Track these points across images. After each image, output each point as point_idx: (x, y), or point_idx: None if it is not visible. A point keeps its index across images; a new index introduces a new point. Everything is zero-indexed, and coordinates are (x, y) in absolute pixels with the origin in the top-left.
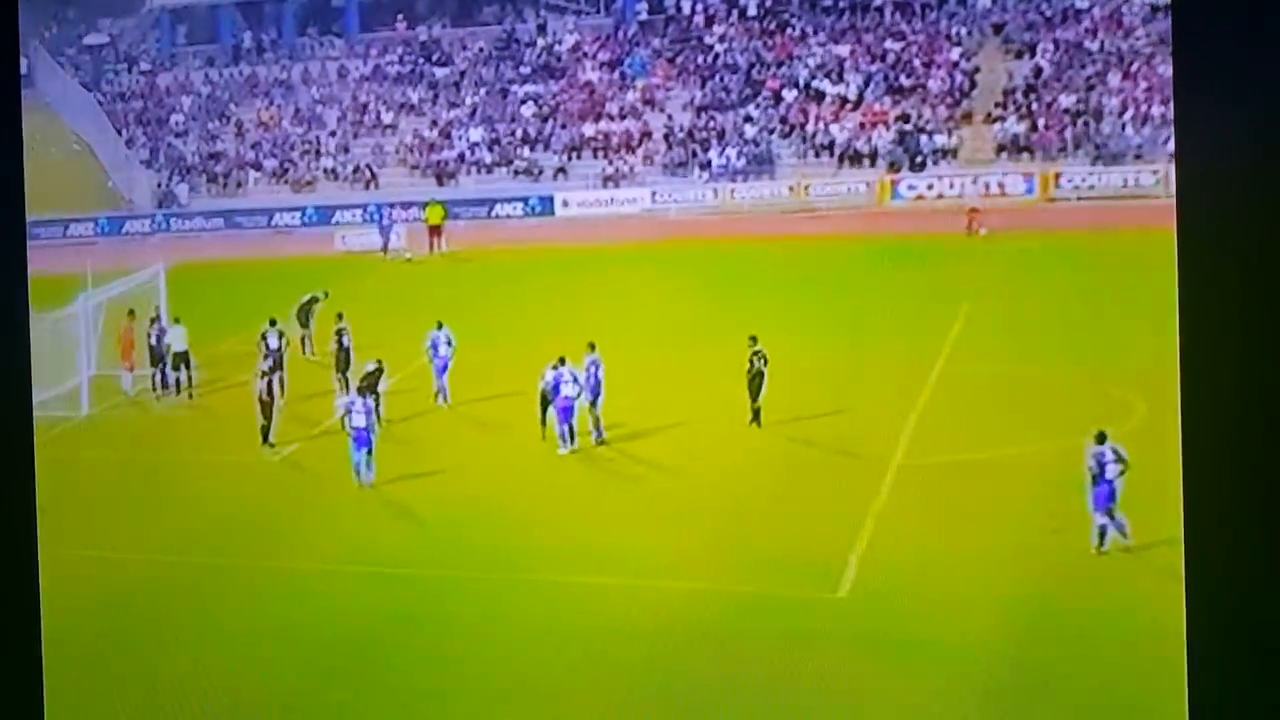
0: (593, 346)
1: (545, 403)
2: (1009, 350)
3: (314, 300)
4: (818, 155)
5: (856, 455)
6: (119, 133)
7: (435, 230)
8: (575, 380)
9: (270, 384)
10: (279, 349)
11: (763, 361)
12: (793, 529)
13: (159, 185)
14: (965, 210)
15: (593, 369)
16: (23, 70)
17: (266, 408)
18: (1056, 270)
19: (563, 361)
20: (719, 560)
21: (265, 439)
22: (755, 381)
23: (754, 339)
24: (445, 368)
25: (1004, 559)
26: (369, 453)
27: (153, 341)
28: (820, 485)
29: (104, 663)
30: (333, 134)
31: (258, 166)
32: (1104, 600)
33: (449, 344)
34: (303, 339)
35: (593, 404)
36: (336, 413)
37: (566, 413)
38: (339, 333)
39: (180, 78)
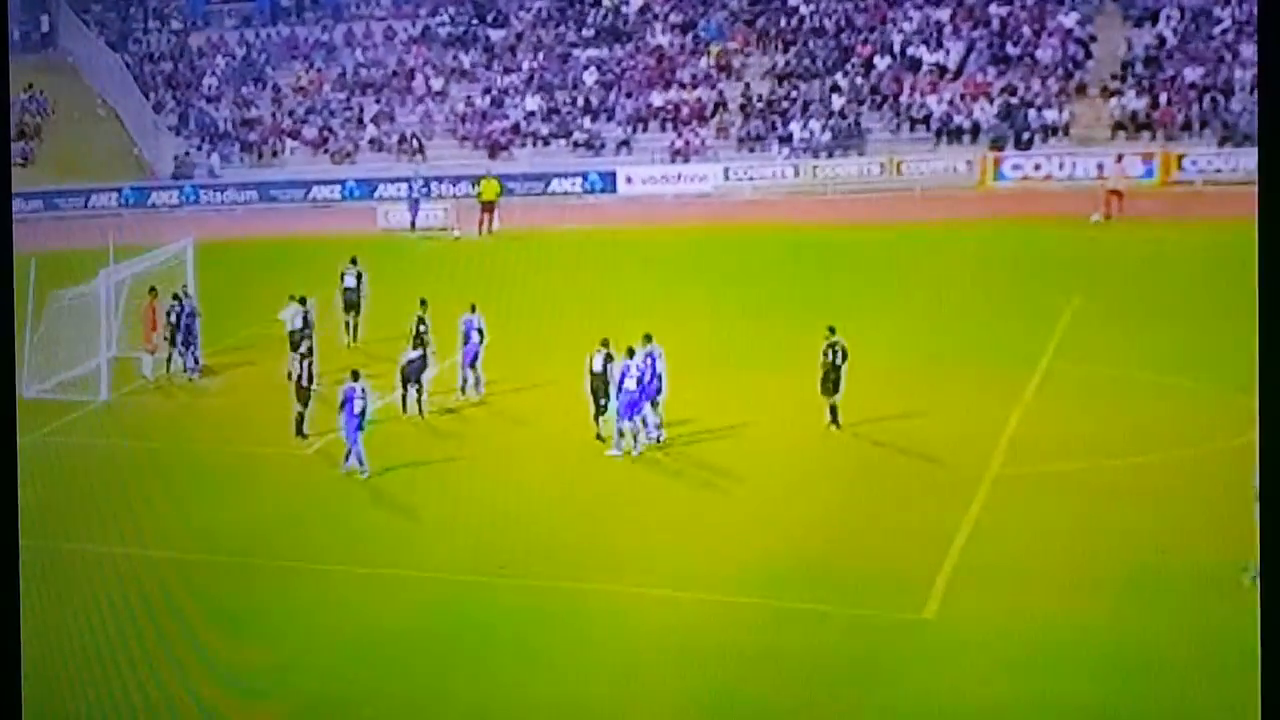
0: (649, 338)
1: (598, 396)
2: (1122, 350)
3: (345, 275)
4: (912, 129)
5: (947, 463)
6: (146, 96)
7: (488, 208)
8: (646, 372)
9: (306, 367)
10: (305, 329)
11: (839, 355)
12: (875, 543)
13: (186, 154)
14: (1104, 191)
15: (651, 362)
16: (44, 28)
17: (304, 394)
18: (1177, 262)
19: (631, 353)
20: (791, 575)
21: (299, 429)
22: (830, 377)
23: (832, 329)
24: (475, 356)
25: (1109, 582)
26: (354, 442)
27: (172, 320)
28: (906, 495)
29: (102, 667)
30: (377, 101)
31: (295, 135)
32: (1222, 633)
33: (479, 332)
34: (346, 324)
35: (653, 402)
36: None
37: (632, 409)
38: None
39: (213, 38)
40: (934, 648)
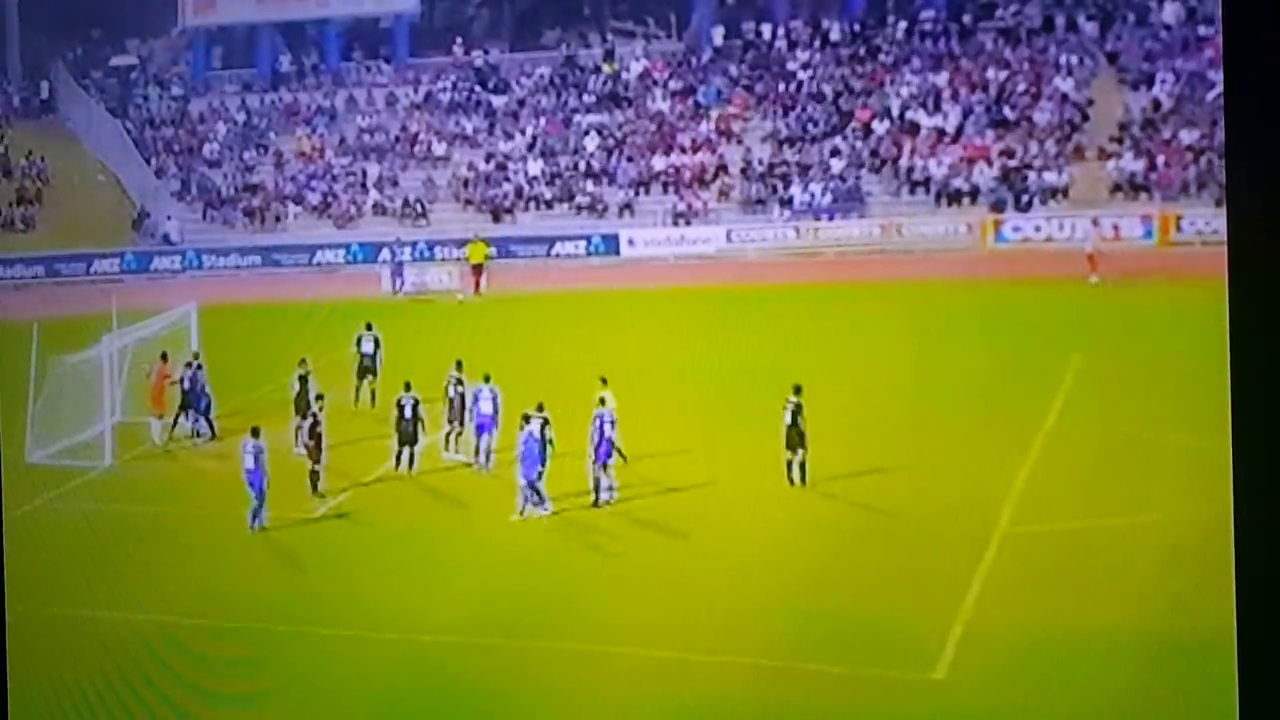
0: (604, 400)
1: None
2: (1127, 408)
3: (362, 340)
4: (912, 192)
5: (957, 521)
6: (147, 162)
7: (477, 270)
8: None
9: (310, 427)
10: (306, 391)
11: (795, 413)
12: (885, 603)
13: (147, 218)
14: (1086, 256)
15: (600, 424)
16: (44, 94)
17: (314, 451)
18: (1179, 321)
19: (540, 408)
20: (800, 635)
21: (314, 488)
22: (791, 434)
23: (797, 388)
24: (485, 428)
25: (1121, 641)
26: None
27: (185, 386)
28: (916, 554)
29: None
30: (380, 165)
31: (298, 200)
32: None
33: (492, 402)
34: (358, 390)
35: (604, 465)
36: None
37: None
38: (459, 381)
39: (214, 103)
40: (945, 708)
